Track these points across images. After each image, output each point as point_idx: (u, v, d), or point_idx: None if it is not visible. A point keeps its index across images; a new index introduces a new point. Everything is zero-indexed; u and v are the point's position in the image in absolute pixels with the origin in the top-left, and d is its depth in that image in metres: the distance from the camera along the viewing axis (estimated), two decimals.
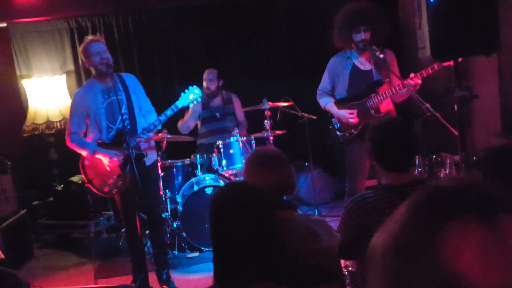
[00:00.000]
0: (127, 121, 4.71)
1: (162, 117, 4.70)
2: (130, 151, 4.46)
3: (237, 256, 1.96)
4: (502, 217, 0.78)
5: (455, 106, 3.38)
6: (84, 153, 4.73)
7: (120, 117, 4.63)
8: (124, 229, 5.54)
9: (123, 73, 4.99)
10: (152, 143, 5.02)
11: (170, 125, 6.08)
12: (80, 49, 4.82)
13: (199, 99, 4.92)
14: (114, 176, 4.70)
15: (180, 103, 4.78)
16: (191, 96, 4.84)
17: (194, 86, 4.90)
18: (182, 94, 4.82)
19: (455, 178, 0.90)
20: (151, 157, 4.93)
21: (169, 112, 4.71)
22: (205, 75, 6.67)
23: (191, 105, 4.98)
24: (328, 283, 1.99)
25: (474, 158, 4.28)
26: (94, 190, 4.84)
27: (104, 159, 4.67)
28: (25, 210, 6.33)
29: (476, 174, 1.85)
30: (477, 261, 0.75)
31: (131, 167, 4.38)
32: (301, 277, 1.97)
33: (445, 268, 0.77)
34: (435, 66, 4.46)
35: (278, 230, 2.08)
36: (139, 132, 4.70)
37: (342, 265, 2.71)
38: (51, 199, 6.99)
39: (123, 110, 4.69)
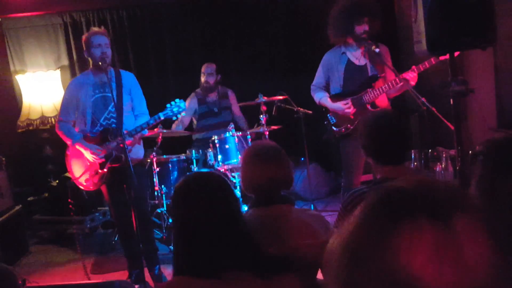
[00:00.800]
0: (113, 120, 4.66)
1: (145, 125, 4.58)
2: (111, 152, 4.55)
3: (206, 246, 1.96)
4: (455, 217, 0.77)
5: (451, 101, 3.37)
6: (68, 142, 4.73)
7: (105, 114, 4.63)
8: None
9: (124, 71, 4.94)
10: (141, 143, 4.97)
11: (166, 120, 6.06)
12: (83, 37, 4.78)
13: (183, 114, 4.77)
14: (93, 172, 4.68)
15: (163, 115, 4.63)
16: (176, 109, 4.68)
17: (181, 100, 4.73)
18: (168, 105, 4.67)
19: (410, 179, 0.88)
20: (138, 155, 4.87)
21: (151, 121, 4.59)
22: (204, 69, 6.67)
23: (179, 116, 4.81)
24: (293, 273, 2.00)
25: (470, 152, 4.28)
26: (75, 182, 4.82)
27: (85, 153, 4.65)
28: (20, 206, 6.31)
29: (477, 165, 1.84)
30: (430, 262, 0.74)
31: (126, 162, 4.37)
32: (266, 266, 1.98)
33: (398, 271, 0.76)
34: (432, 60, 4.46)
35: (243, 218, 2.09)
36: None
37: None
38: (46, 194, 6.97)
39: (110, 108, 4.66)
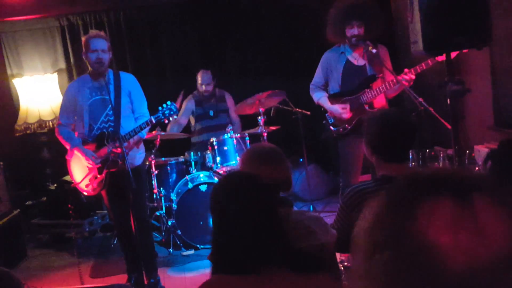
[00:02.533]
0: (110, 123, 4.64)
1: (137, 129, 4.53)
2: (107, 156, 4.53)
3: (245, 242, 1.97)
4: (474, 195, 0.82)
5: (448, 100, 3.38)
6: (67, 147, 4.71)
7: (102, 118, 4.62)
8: None
9: (124, 73, 4.90)
10: (140, 147, 4.91)
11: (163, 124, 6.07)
12: (83, 39, 4.75)
13: (175, 117, 4.73)
14: (92, 177, 4.66)
15: (155, 118, 4.57)
16: (167, 112, 4.61)
17: (172, 103, 4.66)
18: (159, 108, 4.61)
19: (433, 167, 0.94)
20: (135, 160, 4.81)
21: (144, 125, 4.54)
22: (200, 79, 6.63)
23: (170, 119, 4.71)
24: (327, 272, 2.01)
25: (467, 151, 4.29)
26: (77, 187, 4.81)
27: (81, 158, 4.61)
28: (18, 210, 6.30)
29: (489, 166, 1.86)
30: (446, 229, 0.79)
31: (123, 165, 4.38)
32: (304, 263, 1.99)
33: (417, 239, 0.81)
34: (429, 61, 4.48)
35: (280, 216, 2.10)
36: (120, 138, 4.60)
37: (338, 260, 2.71)
38: (44, 198, 6.96)
39: (107, 111, 4.63)
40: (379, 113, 2.88)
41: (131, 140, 4.60)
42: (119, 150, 4.51)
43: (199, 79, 6.65)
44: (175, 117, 4.75)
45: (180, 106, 5.74)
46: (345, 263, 3.28)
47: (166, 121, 4.68)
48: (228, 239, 2.02)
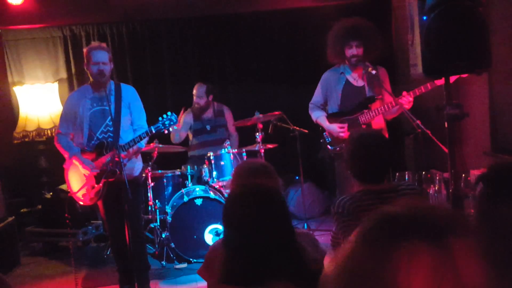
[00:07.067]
0: (110, 134, 4.67)
1: (137, 139, 4.57)
2: (105, 166, 4.53)
3: (253, 255, 1.97)
4: (450, 239, 0.80)
5: (446, 124, 3.40)
6: (65, 156, 4.73)
7: (102, 128, 4.65)
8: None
9: (125, 85, 4.93)
10: (138, 158, 4.95)
11: (162, 135, 6.08)
12: (84, 50, 4.78)
13: (175, 127, 4.76)
14: (89, 187, 4.67)
15: (155, 128, 4.61)
16: (167, 122, 4.65)
17: (173, 113, 4.70)
18: (160, 118, 4.65)
19: (405, 204, 0.91)
20: (132, 171, 4.84)
21: (144, 135, 4.58)
22: (194, 91, 6.70)
23: (170, 130, 4.76)
24: None
25: (463, 175, 4.30)
26: (74, 197, 4.81)
27: (79, 166, 4.63)
28: (13, 217, 6.29)
29: (479, 189, 1.86)
30: (429, 283, 0.76)
31: (121, 175, 4.38)
32: (311, 280, 1.99)
33: (397, 285, 0.78)
34: (428, 85, 4.52)
35: (293, 231, 2.12)
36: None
37: None
38: (40, 206, 6.95)
39: (107, 121, 4.66)
40: (358, 134, 2.95)
41: (130, 150, 4.62)
42: (117, 159, 4.51)
43: (194, 91, 6.70)
44: (175, 127, 4.77)
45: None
46: None
47: (166, 132, 4.72)
48: (239, 250, 2.02)
